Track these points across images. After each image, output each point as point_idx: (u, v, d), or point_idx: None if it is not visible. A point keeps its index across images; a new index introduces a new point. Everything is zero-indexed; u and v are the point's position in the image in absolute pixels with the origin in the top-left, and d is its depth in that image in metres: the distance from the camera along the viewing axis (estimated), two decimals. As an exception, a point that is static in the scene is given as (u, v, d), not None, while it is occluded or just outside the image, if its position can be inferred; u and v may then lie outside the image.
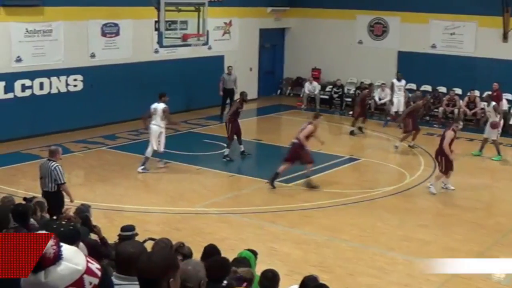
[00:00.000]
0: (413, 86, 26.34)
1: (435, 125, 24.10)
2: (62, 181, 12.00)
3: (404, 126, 20.84)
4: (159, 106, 17.51)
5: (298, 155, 16.38)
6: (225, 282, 6.90)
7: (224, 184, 17.19)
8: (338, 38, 27.85)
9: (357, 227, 13.80)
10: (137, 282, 3.99)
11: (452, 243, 13.10)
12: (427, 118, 24.95)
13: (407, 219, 14.43)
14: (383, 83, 26.14)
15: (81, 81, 21.59)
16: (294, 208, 14.98)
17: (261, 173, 17.64)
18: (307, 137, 16.46)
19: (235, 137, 18.92)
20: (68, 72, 21.21)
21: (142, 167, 17.42)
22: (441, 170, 16.21)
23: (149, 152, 17.40)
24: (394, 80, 24.84)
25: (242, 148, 19.11)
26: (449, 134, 16.16)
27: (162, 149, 17.53)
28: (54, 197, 11.73)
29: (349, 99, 27.02)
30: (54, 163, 12.06)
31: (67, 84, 21.28)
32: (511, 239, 13.64)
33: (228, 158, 18.66)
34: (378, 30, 27.53)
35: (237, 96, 22.14)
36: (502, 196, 16.81)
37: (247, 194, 16.11)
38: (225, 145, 19.01)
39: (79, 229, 9.12)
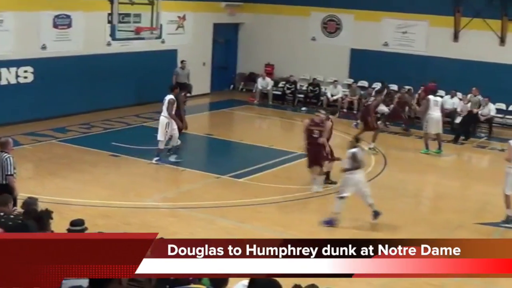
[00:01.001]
0: (365, 83, 26.63)
1: (386, 123, 24.33)
2: (10, 172, 11.81)
3: (370, 123, 20.47)
4: (167, 97, 17.56)
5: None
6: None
7: (175, 179, 17.13)
8: (292, 34, 27.96)
9: (307, 223, 13.86)
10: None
11: (400, 240, 13.23)
12: (378, 115, 25.20)
13: (358, 215, 14.53)
14: (335, 80, 26.39)
15: (32, 72, 21.27)
16: (245, 203, 14.99)
17: (212, 168, 17.64)
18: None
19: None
20: (18, 63, 20.89)
21: (175, 156, 17.74)
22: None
23: (174, 142, 17.61)
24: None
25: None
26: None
27: (175, 141, 17.64)
28: (5, 190, 11.54)
29: (302, 95, 27.18)
30: (6, 154, 11.88)
31: (17, 76, 20.96)
32: (458, 235, 13.82)
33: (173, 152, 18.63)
34: (331, 27, 27.70)
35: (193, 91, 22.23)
36: (450, 193, 17.04)
37: (198, 189, 16.08)
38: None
39: (27, 223, 9.03)
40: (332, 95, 26.06)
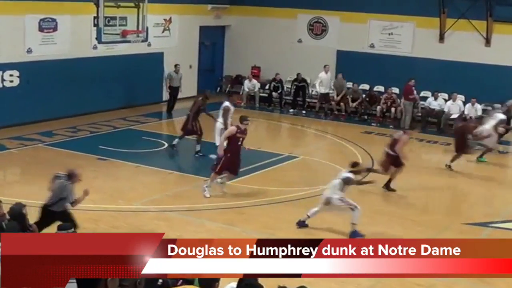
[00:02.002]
0: (350, 85, 26.66)
1: (373, 124, 24.45)
2: (69, 200, 11.65)
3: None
4: (223, 104, 17.68)
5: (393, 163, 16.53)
6: (160, 280, 6.84)
7: (163, 182, 17.07)
8: (278, 36, 27.96)
9: (295, 225, 13.85)
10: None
11: (389, 241, 13.23)
12: (365, 117, 25.32)
13: (346, 217, 14.52)
14: (326, 65, 26.32)
15: (17, 76, 21.16)
16: (233, 206, 14.97)
17: (200, 170, 17.60)
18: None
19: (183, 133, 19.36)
20: (4, 67, 20.78)
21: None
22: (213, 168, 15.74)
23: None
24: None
25: (198, 147, 19.24)
26: None
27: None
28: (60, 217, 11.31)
29: (289, 98, 27.13)
30: (68, 182, 11.77)
31: (2, 80, 20.85)
32: (446, 235, 13.86)
33: (200, 154, 18.95)
34: (317, 29, 27.73)
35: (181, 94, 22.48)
36: (438, 193, 17.08)
37: (187, 191, 16.04)
38: (167, 142, 19.19)
39: (2, 225, 9.01)
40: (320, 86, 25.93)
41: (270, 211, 14.75)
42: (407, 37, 25.91)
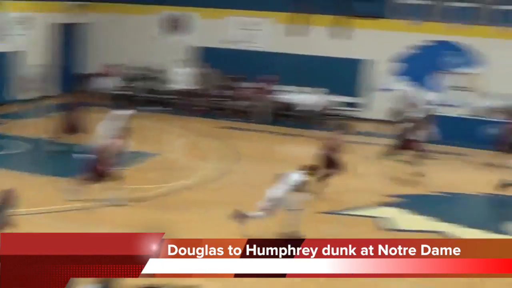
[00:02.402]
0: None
1: (233, 119, 24.65)
2: None
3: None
4: (119, 111, 17.50)
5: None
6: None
7: (18, 185, 16.61)
8: (139, 33, 27.90)
9: (156, 223, 13.80)
10: None
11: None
12: (226, 112, 25.42)
13: (206, 212, 14.60)
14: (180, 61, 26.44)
15: None
16: (86, 207, 14.75)
17: (58, 171, 17.23)
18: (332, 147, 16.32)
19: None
20: None
21: None
22: None
23: None
24: None
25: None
26: None
27: None
28: None
29: (150, 95, 26.91)
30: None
31: None
32: (306, 226, 14.10)
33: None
34: (177, 26, 27.79)
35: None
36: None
37: (39, 193, 15.63)
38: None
39: None
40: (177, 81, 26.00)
41: (127, 210, 14.65)
42: (266, 33, 26.32)
